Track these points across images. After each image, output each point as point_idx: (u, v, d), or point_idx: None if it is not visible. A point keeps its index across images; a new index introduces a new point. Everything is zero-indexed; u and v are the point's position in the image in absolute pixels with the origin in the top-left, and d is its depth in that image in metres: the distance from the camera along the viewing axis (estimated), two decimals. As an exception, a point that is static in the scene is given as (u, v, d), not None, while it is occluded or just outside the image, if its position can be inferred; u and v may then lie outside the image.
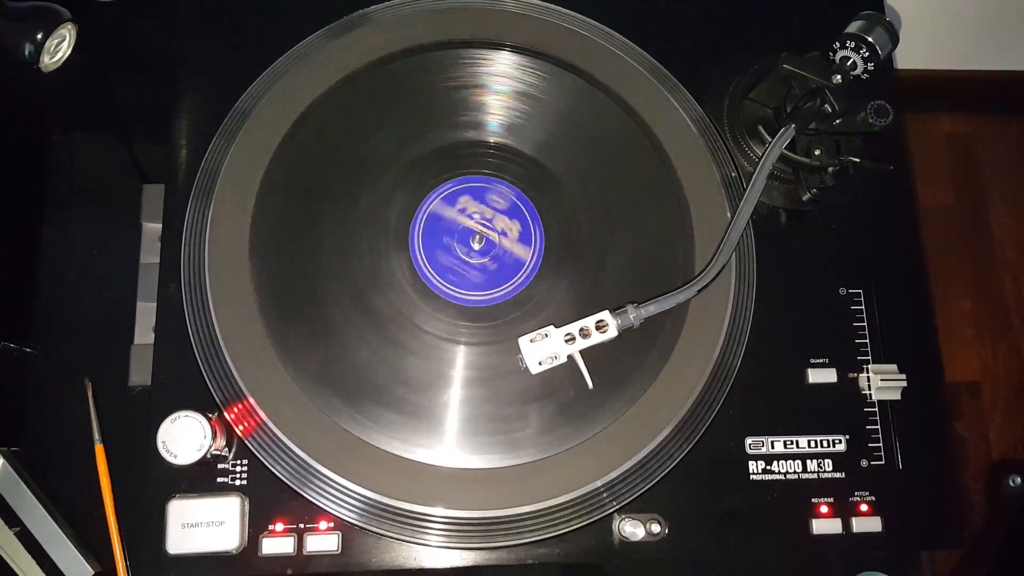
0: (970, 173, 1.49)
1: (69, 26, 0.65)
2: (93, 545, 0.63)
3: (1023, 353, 1.42)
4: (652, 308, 0.62)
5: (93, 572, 0.62)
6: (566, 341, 0.61)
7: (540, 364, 0.61)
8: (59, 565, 0.62)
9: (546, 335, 0.61)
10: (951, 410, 1.39)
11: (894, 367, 0.66)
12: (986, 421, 1.39)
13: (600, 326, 0.61)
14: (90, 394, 0.65)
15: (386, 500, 0.60)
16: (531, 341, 0.61)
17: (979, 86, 1.43)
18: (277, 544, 0.60)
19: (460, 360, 0.64)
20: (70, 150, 0.73)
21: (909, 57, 1.35)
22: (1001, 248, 1.46)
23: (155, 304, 0.65)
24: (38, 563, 0.62)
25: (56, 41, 0.64)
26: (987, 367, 1.41)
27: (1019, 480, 1.24)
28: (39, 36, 0.61)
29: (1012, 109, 1.49)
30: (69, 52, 0.65)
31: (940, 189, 1.48)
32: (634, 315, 0.61)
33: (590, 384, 0.61)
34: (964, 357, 1.42)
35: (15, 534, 0.62)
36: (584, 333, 0.61)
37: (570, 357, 0.61)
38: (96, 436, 0.64)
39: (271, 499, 0.61)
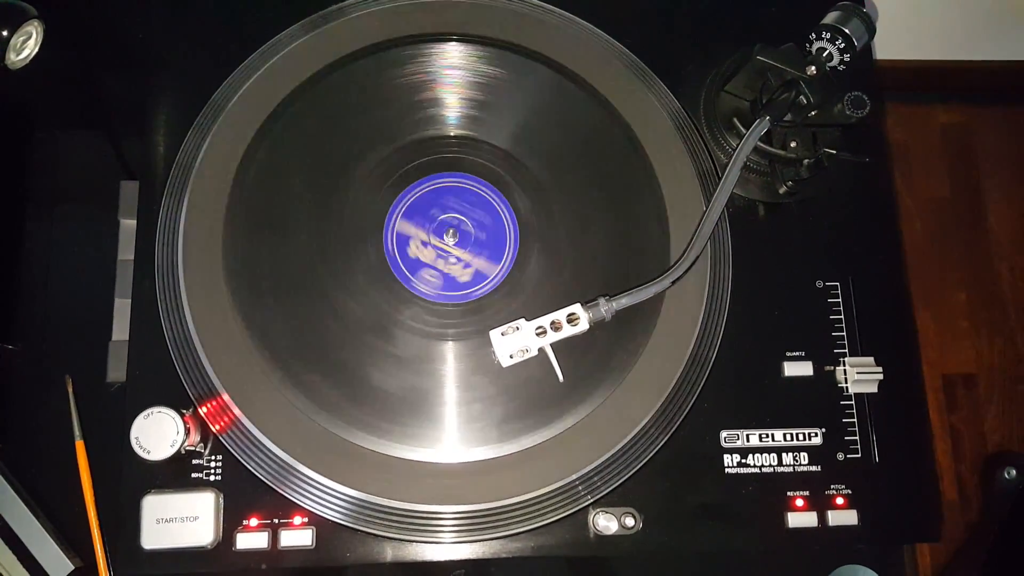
0: (966, 164, 1.48)
1: (36, 23, 0.65)
2: (74, 540, 0.64)
3: (1019, 345, 1.41)
4: (624, 301, 0.62)
5: (73, 567, 0.63)
6: (537, 334, 0.61)
7: (511, 357, 0.61)
8: (40, 561, 0.63)
9: (517, 328, 0.61)
10: (944, 404, 1.38)
11: (871, 360, 0.66)
12: (981, 413, 1.38)
13: (571, 319, 0.61)
14: (71, 391, 0.65)
15: (360, 495, 0.60)
16: (502, 334, 0.61)
17: (974, 76, 1.42)
18: (251, 539, 0.60)
19: (434, 355, 0.64)
20: (52, 147, 0.73)
21: (903, 48, 1.34)
22: (997, 239, 1.45)
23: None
24: (19, 559, 0.63)
25: (22, 39, 0.64)
26: (983, 359, 1.41)
27: (1014, 473, 1.23)
28: (3, 34, 0.61)
29: (1008, 99, 1.48)
30: (37, 50, 0.65)
31: (936, 180, 1.48)
32: (606, 308, 0.61)
33: (561, 377, 0.61)
34: (959, 349, 1.41)
35: (-5, 530, 0.62)
36: (555, 326, 0.61)
37: (541, 350, 0.61)
38: (76, 432, 0.64)
39: (245, 494, 0.61)
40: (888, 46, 1.31)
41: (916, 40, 1.33)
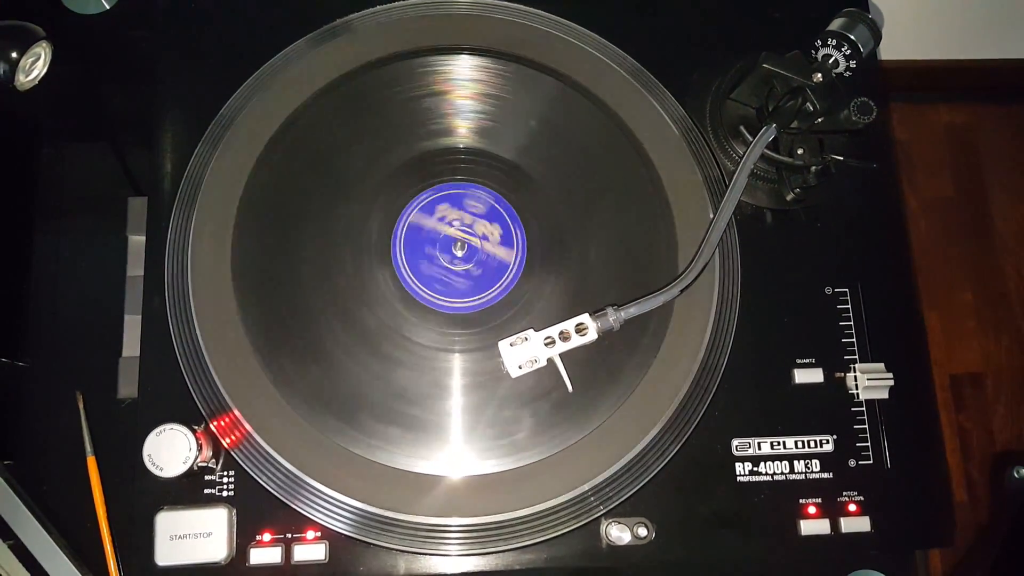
0: (970, 163, 1.48)
1: (44, 44, 0.65)
2: (87, 557, 0.64)
3: (1026, 343, 1.41)
4: (632, 310, 0.62)
5: (87, 584, 0.63)
6: (546, 344, 0.61)
7: (520, 368, 0.61)
8: (53, 577, 0.63)
9: (526, 339, 0.61)
10: (951, 404, 1.38)
11: (881, 366, 0.66)
12: (989, 413, 1.38)
13: (580, 329, 0.61)
14: (81, 407, 0.65)
15: (373, 509, 0.61)
16: (511, 345, 0.61)
17: (977, 76, 1.42)
18: (265, 554, 0.60)
19: (443, 366, 0.64)
20: (60, 163, 0.74)
21: (906, 48, 1.34)
22: (1002, 238, 1.45)
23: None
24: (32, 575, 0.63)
25: (31, 60, 0.64)
26: (990, 358, 1.41)
27: (1023, 472, 1.23)
28: (13, 55, 0.61)
29: (1011, 98, 1.48)
30: (45, 70, 0.66)
31: (940, 180, 1.47)
32: (614, 317, 0.61)
33: (570, 387, 0.61)
34: (967, 349, 1.41)
35: (9, 547, 0.62)
36: (564, 336, 0.61)
37: (550, 360, 0.61)
38: (88, 448, 0.64)
39: (258, 509, 0.61)
40: (891, 46, 1.31)
41: (919, 40, 1.33)
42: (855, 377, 0.66)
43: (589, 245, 0.68)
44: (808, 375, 0.66)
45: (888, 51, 1.33)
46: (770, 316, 0.67)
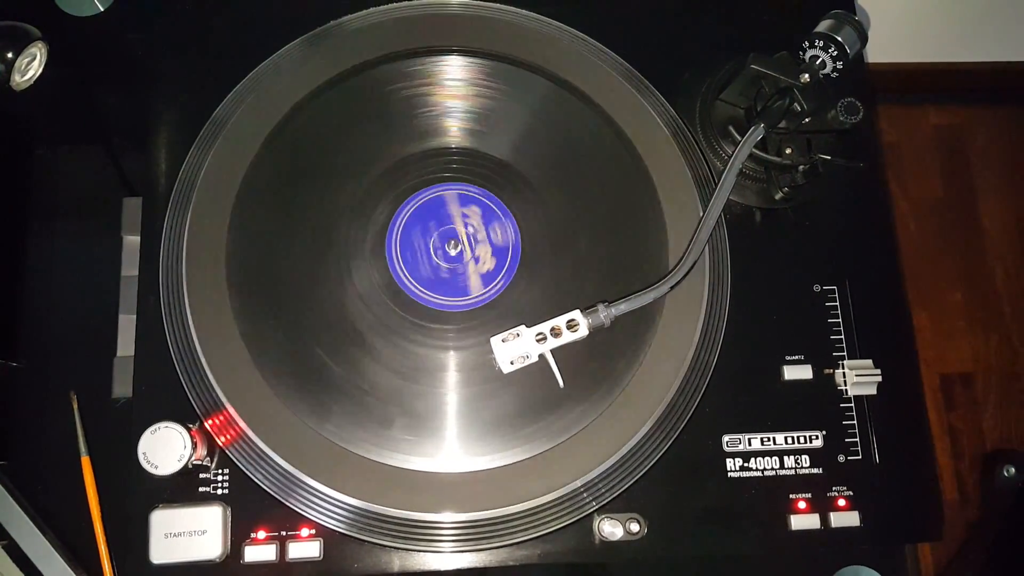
0: (959, 164, 1.49)
1: (40, 44, 0.65)
2: (81, 556, 0.64)
3: (1015, 343, 1.42)
4: (623, 307, 0.62)
5: (81, 583, 0.63)
6: (537, 340, 0.61)
7: (512, 364, 0.61)
8: (47, 577, 0.63)
9: (517, 335, 0.61)
10: (942, 403, 1.39)
11: (869, 362, 0.66)
12: (979, 412, 1.39)
13: (571, 325, 0.62)
14: (75, 407, 0.66)
15: (366, 506, 0.61)
16: (503, 341, 0.61)
17: (965, 78, 1.44)
18: (259, 552, 0.60)
19: (436, 363, 0.65)
20: (54, 164, 0.74)
21: (895, 50, 1.35)
22: (991, 238, 1.46)
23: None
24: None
25: (27, 60, 0.64)
26: (979, 358, 1.42)
27: (1013, 470, 1.24)
28: (9, 55, 0.61)
29: (999, 99, 1.49)
30: (41, 71, 0.66)
31: (929, 181, 1.49)
32: (604, 314, 0.62)
33: (561, 383, 0.62)
34: (956, 348, 1.42)
35: (3, 547, 0.62)
36: (555, 332, 0.62)
37: (541, 356, 0.62)
38: (82, 448, 0.64)
39: (253, 507, 0.61)
40: (880, 48, 1.33)
41: (907, 42, 1.35)
42: (844, 373, 0.66)
43: (580, 242, 0.68)
44: (797, 372, 0.66)
45: (877, 53, 1.34)
46: (759, 313, 0.68)
